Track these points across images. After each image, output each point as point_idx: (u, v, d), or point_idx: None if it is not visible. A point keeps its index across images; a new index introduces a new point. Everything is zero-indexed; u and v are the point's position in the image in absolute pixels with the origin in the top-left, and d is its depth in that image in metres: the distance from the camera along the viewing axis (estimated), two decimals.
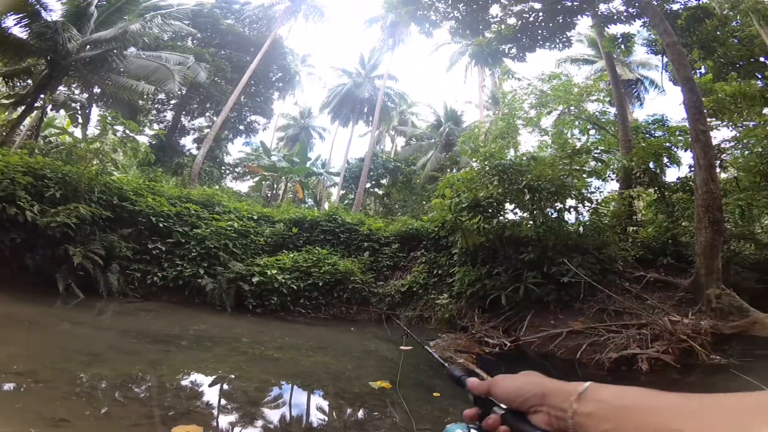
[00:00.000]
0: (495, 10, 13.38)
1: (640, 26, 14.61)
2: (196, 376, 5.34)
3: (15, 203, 8.18)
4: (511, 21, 13.33)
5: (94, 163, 10.57)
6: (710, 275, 7.54)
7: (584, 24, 15.97)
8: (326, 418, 4.51)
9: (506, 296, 8.63)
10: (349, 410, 4.69)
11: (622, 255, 9.57)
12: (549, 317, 8.19)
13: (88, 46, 15.72)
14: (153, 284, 9.90)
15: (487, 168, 9.78)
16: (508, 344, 7.61)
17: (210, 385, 5.01)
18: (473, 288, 9.31)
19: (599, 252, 8.92)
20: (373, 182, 29.64)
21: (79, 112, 17.94)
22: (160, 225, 10.57)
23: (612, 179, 13.53)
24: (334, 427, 4.17)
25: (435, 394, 4.98)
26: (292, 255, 11.58)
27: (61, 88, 17.49)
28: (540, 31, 13.09)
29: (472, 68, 33.05)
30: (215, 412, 4.34)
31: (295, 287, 10.59)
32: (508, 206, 10.18)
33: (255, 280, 10.23)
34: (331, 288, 11.03)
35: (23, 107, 15.31)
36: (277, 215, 13.67)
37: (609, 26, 14.08)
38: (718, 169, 11.88)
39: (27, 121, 16.84)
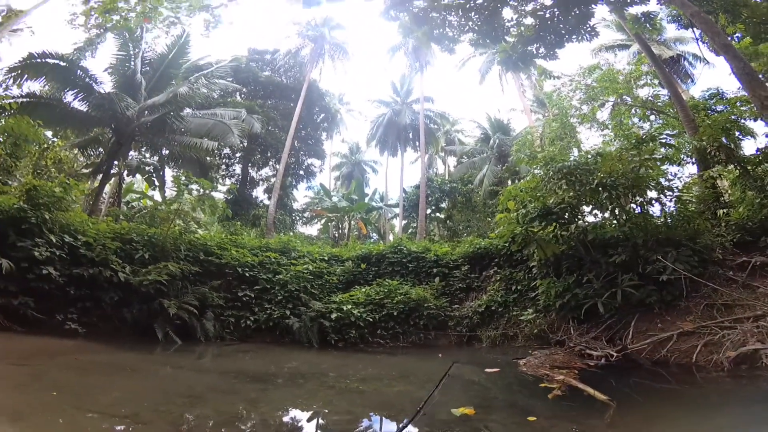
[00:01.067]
0: (507, 13, 13.20)
1: (657, 3, 13.88)
2: (293, 413, 5.42)
3: (108, 266, 9.03)
4: (528, 21, 13.08)
5: (178, 223, 11.37)
6: None
7: (604, 10, 15.57)
8: None
9: (603, 303, 8.08)
10: None
11: (719, 241, 8.75)
12: (655, 320, 7.57)
13: (146, 112, 17.17)
14: (247, 327, 10.53)
15: (551, 173, 9.34)
16: (615, 354, 7.05)
17: (308, 420, 5.06)
18: (562, 299, 8.82)
19: (693, 242, 8.22)
20: (433, 207, 29.45)
21: (154, 175, 19.45)
22: (246, 274, 11.30)
23: (687, 163, 12.65)
24: None
25: (530, 418, 4.61)
26: (364, 289, 11.79)
27: (132, 153, 19.13)
28: (561, 26, 12.73)
29: (506, 76, 32.60)
30: None
31: (371, 319, 10.76)
32: (585, 209, 9.66)
33: (333, 316, 10.54)
34: (407, 316, 11.02)
35: (101, 175, 16.90)
36: (345, 254, 14.01)
37: (627, 8, 13.58)
38: None
39: (107, 188, 18.49)
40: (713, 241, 8.60)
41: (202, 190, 11.80)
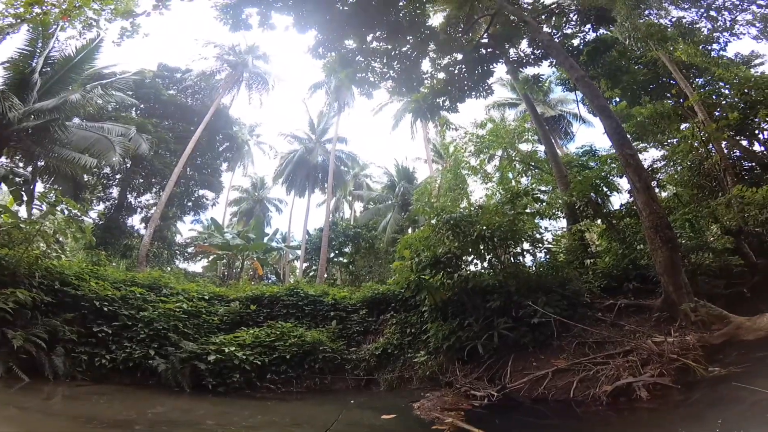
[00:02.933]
0: (425, 65, 14.59)
1: (549, 66, 16.09)
2: None
3: None
4: (441, 75, 14.55)
5: (41, 246, 9.98)
6: (679, 291, 7.60)
7: (502, 71, 17.63)
8: None
9: (482, 345, 8.46)
10: None
11: (587, 287, 9.68)
12: (530, 359, 7.98)
13: (32, 116, 15.21)
14: (102, 366, 9.28)
15: (441, 224, 9.90)
16: (496, 394, 7.26)
17: None
18: (449, 341, 9.10)
19: (563, 288, 9.00)
20: (336, 251, 29.08)
21: (23, 188, 16.73)
22: (105, 309, 10.05)
23: (559, 217, 13.99)
24: None
25: None
26: (252, 331, 11.02)
27: (2, 159, 16.44)
28: (465, 82, 14.32)
29: (416, 124, 34.50)
30: None
31: (259, 362, 10.01)
32: (468, 258, 10.20)
33: (211, 358, 9.63)
34: (301, 360, 10.47)
35: None
36: (232, 294, 13.20)
37: (522, 69, 15.61)
38: (657, 189, 12.59)
39: None
40: (581, 287, 9.47)
41: (67, 212, 10.33)
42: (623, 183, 13.34)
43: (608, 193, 13.44)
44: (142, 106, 26.91)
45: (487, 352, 8.45)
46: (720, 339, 6.49)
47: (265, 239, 29.68)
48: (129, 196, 25.97)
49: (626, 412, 5.92)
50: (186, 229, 32.99)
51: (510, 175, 17.60)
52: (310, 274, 29.66)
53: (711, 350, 6.40)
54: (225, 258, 26.77)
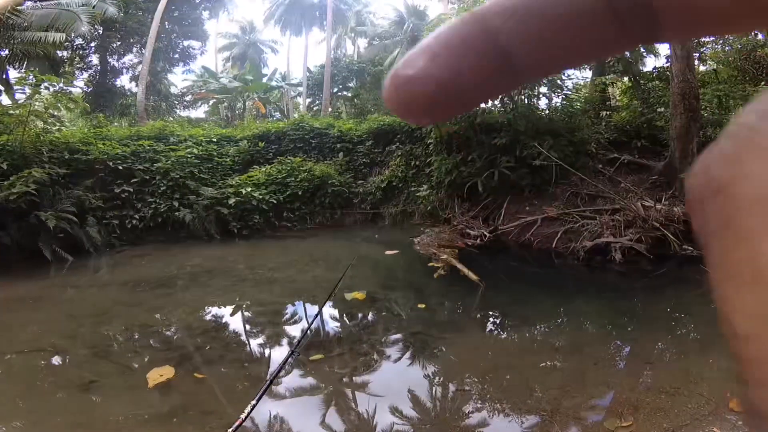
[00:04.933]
0: None
1: None
2: (207, 311, 5.66)
3: None
4: None
5: (38, 125, 9.61)
6: (685, 159, 7.72)
7: None
8: (333, 326, 5.08)
9: (482, 182, 8.90)
10: (346, 320, 5.20)
11: (596, 137, 9.67)
12: (524, 204, 8.49)
13: None
14: (134, 228, 9.70)
15: None
16: (488, 235, 7.92)
17: (230, 315, 5.44)
18: (451, 176, 9.49)
19: (572, 134, 9.03)
20: (340, 86, 28.02)
21: None
22: (120, 167, 10.08)
23: (586, 67, 13.15)
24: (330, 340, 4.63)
25: (420, 305, 5.30)
26: (264, 169, 11.39)
27: None
28: None
29: None
30: (232, 340, 4.74)
31: (274, 201, 10.61)
32: None
33: (231, 201, 10.12)
34: (312, 195, 11.10)
35: None
36: (239, 133, 13.16)
37: None
38: (697, 62, 11.76)
39: None
40: (590, 136, 9.50)
41: (52, 88, 9.88)
42: (662, 48, 12.34)
43: (644, 53, 12.42)
44: None
45: (486, 191, 8.96)
46: None
47: (264, 79, 28.58)
48: (110, 59, 24.56)
49: (598, 271, 6.53)
50: (179, 80, 31.77)
51: None
52: (314, 108, 29.34)
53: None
54: (225, 101, 26.41)
